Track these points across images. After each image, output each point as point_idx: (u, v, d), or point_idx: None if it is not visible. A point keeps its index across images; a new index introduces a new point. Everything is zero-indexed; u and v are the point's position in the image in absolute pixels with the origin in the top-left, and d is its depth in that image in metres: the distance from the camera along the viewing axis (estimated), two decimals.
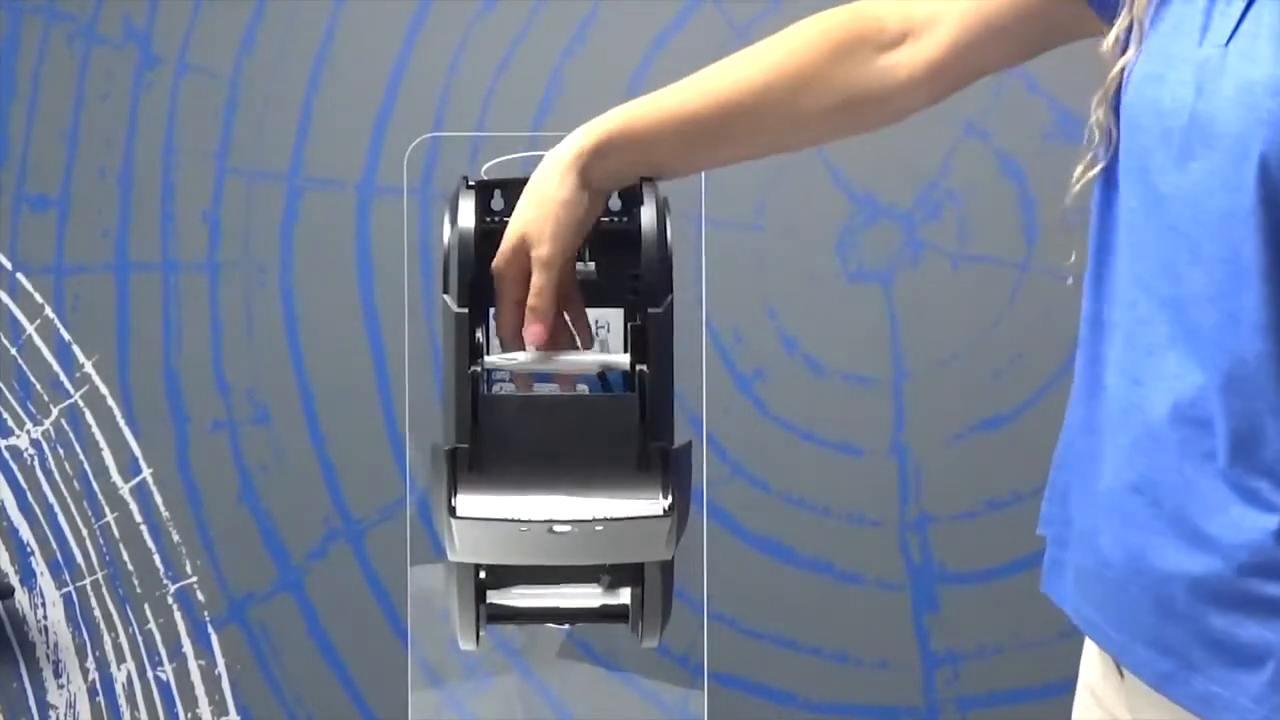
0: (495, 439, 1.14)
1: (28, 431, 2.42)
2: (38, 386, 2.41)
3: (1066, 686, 2.24)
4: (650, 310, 1.17)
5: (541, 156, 1.23)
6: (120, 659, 2.43)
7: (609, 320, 1.24)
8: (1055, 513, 1.29)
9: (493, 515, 1.10)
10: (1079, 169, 1.23)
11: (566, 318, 1.24)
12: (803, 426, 2.32)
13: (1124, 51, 1.17)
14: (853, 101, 1.29)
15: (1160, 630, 1.15)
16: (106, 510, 2.41)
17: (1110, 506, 1.19)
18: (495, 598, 1.17)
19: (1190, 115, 1.09)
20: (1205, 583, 1.12)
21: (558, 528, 1.10)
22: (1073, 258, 1.27)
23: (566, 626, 2.17)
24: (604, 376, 1.20)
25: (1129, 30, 1.17)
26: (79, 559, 2.42)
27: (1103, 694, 1.29)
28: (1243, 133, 1.06)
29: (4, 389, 2.41)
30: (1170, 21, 1.14)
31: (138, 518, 2.41)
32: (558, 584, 1.17)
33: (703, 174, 2.22)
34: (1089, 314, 1.22)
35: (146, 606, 2.42)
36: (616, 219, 1.24)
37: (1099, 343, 1.21)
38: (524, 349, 1.21)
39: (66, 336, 2.40)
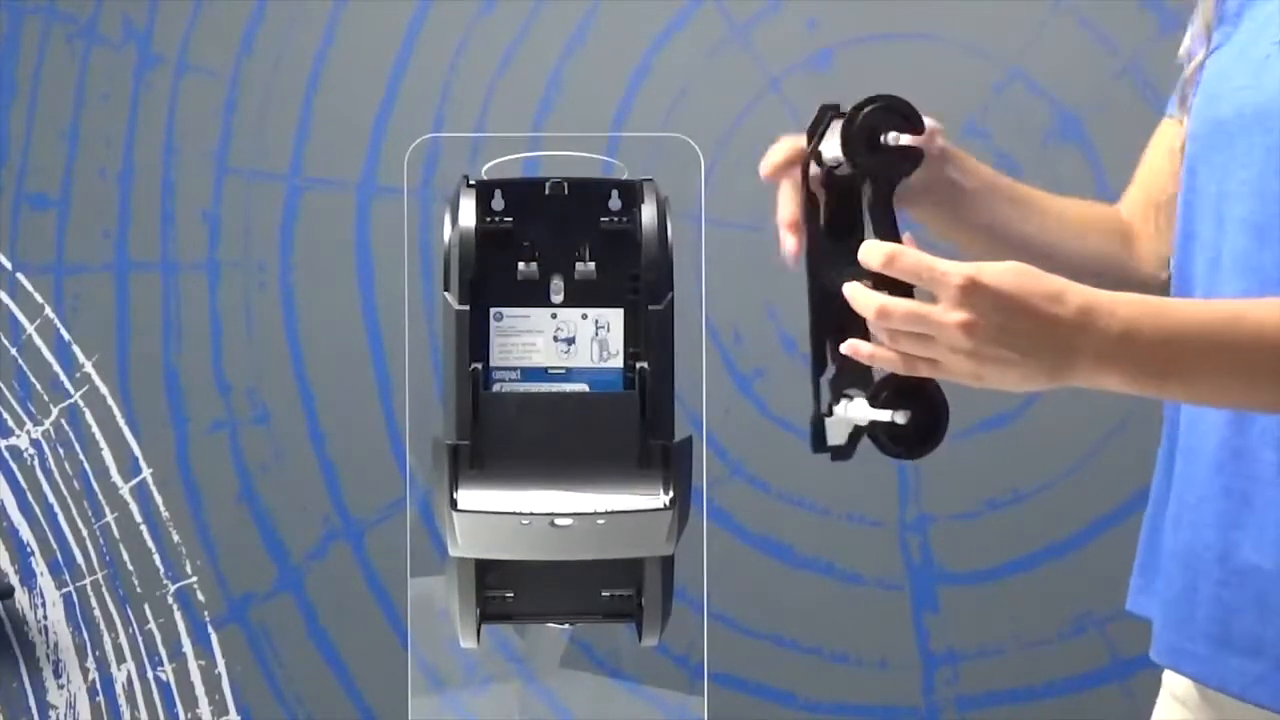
0: (496, 435, 1.14)
1: (28, 431, 2.42)
2: (38, 386, 2.41)
3: (1066, 686, 2.25)
4: (650, 307, 1.17)
5: (541, 157, 1.23)
6: (120, 659, 2.43)
7: (609, 320, 1.24)
8: (1144, 552, 1.30)
9: (494, 508, 1.10)
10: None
11: None
12: (802, 426, 2.31)
13: (1191, 59, 1.24)
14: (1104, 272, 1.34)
15: (1258, 632, 1.15)
16: (106, 510, 2.41)
17: (1204, 516, 1.19)
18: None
19: (1252, 109, 1.14)
20: None
21: (559, 521, 1.10)
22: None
23: (568, 627, 2.16)
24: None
25: (1198, 37, 1.23)
26: (79, 559, 2.42)
27: None
28: None
29: (4, 389, 2.41)
30: (1245, 28, 1.20)
31: (138, 518, 2.41)
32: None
33: (702, 174, 2.22)
34: None
35: (146, 606, 2.42)
36: (616, 219, 1.24)
37: None
38: None
39: (66, 336, 2.40)
